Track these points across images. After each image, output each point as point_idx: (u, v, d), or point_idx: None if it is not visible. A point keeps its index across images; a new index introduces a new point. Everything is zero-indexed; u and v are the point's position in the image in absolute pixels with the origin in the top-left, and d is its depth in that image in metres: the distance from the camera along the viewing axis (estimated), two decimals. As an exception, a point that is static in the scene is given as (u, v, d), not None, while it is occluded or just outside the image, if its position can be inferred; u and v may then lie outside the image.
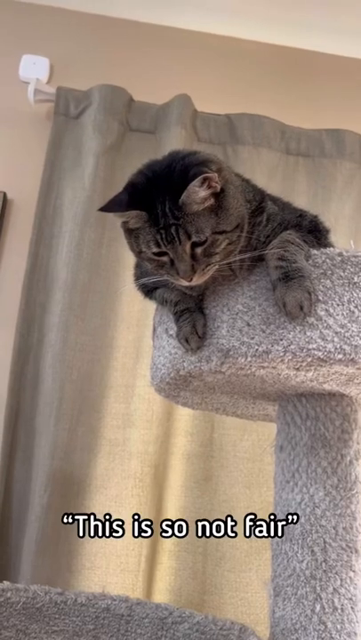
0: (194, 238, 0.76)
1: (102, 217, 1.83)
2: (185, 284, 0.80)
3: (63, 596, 1.12)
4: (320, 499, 0.96)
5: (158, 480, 1.69)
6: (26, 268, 1.80)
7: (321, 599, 0.91)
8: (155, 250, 0.78)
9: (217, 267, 0.80)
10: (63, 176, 1.89)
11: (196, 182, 0.75)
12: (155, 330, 1.07)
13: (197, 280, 0.79)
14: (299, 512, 0.96)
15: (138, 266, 0.96)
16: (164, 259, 0.79)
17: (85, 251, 1.78)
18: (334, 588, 0.91)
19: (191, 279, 0.78)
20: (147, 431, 1.69)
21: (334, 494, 0.96)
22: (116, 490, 1.62)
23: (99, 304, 1.76)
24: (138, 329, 1.74)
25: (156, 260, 0.80)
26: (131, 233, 0.81)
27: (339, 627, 0.90)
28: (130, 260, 1.82)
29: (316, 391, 1.01)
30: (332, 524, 0.95)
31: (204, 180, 0.76)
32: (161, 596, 1.60)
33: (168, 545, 1.65)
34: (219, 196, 0.79)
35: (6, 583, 1.11)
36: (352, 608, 0.92)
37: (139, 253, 0.82)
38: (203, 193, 0.76)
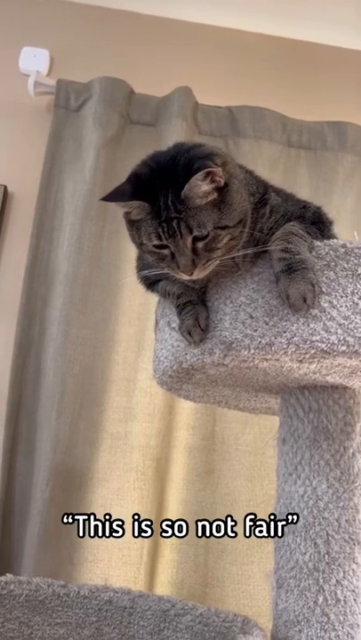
0: (195, 233, 0.76)
1: (103, 210, 1.82)
2: (185, 277, 0.79)
3: (66, 588, 1.12)
4: (323, 491, 0.96)
5: (160, 473, 1.69)
6: (26, 262, 1.79)
7: (324, 591, 0.91)
8: (156, 242, 0.78)
9: (218, 261, 0.79)
10: (64, 169, 1.88)
11: (200, 176, 0.74)
12: (157, 323, 1.07)
13: (198, 274, 0.78)
14: (301, 504, 0.96)
15: (140, 258, 0.95)
16: (165, 252, 0.78)
17: (86, 244, 1.78)
18: (337, 580, 0.91)
19: (192, 273, 0.77)
20: (148, 424, 1.69)
21: (337, 487, 0.96)
22: (118, 483, 1.63)
23: (100, 298, 1.76)
24: (139, 322, 1.74)
25: (157, 252, 0.79)
26: (132, 224, 0.81)
27: (341, 618, 0.90)
28: (131, 253, 1.81)
29: (319, 384, 1.01)
30: (334, 516, 0.95)
31: (208, 173, 0.75)
32: (163, 588, 1.60)
33: (170, 538, 1.65)
34: (222, 190, 0.78)
35: (9, 576, 1.11)
36: (355, 600, 0.92)
37: (140, 245, 0.82)
38: (206, 187, 0.75)
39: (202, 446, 1.73)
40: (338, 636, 0.89)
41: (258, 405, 1.25)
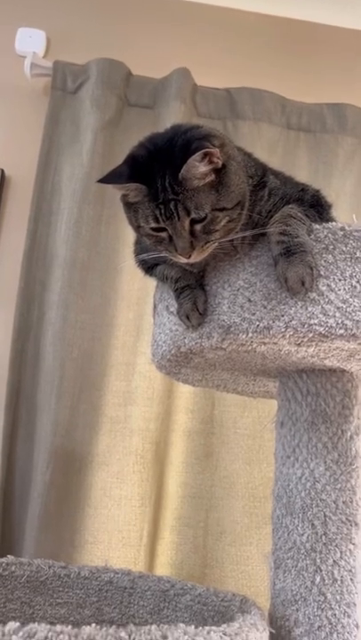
0: (193, 215, 0.75)
1: (101, 194, 1.81)
2: (183, 260, 0.79)
3: (67, 569, 1.13)
4: (320, 473, 0.97)
5: (159, 457, 1.70)
6: (25, 246, 1.78)
7: (321, 571, 0.92)
8: (153, 225, 0.77)
9: (216, 244, 0.79)
10: (61, 152, 1.86)
11: (197, 157, 0.73)
12: (155, 307, 1.07)
13: (196, 257, 0.78)
14: (299, 486, 0.97)
15: (138, 242, 0.95)
16: (163, 234, 0.78)
17: (84, 228, 1.77)
18: (334, 561, 0.93)
19: (189, 256, 0.77)
20: (148, 408, 1.69)
21: (335, 469, 0.97)
22: (118, 466, 1.64)
23: (98, 282, 1.75)
24: (138, 307, 1.74)
25: (155, 235, 0.79)
26: (130, 207, 0.80)
27: (338, 598, 0.91)
28: (129, 237, 1.80)
29: (317, 367, 1.01)
30: (332, 497, 0.95)
31: (205, 154, 0.74)
32: (163, 569, 1.62)
33: (169, 520, 1.67)
34: (220, 172, 0.77)
35: (10, 557, 1.13)
36: (351, 580, 0.93)
37: (137, 228, 0.81)
38: (203, 168, 0.75)
39: (201, 430, 1.74)
40: (335, 614, 0.91)
41: (256, 389, 1.26)
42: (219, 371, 1.13)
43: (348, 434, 1.00)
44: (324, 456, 0.97)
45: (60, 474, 1.61)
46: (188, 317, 0.87)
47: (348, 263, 0.81)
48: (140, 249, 0.93)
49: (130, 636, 0.62)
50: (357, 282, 0.80)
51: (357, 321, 0.79)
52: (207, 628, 0.69)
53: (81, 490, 1.61)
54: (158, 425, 1.70)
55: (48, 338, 1.71)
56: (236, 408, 1.75)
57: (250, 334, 0.83)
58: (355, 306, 0.79)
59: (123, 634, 0.62)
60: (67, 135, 1.88)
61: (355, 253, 0.81)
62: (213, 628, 0.70)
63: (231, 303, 0.85)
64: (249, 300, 0.83)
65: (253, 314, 0.82)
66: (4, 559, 1.12)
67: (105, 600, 1.12)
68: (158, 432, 1.70)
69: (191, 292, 0.87)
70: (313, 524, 0.94)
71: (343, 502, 0.96)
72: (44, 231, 1.80)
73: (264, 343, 0.85)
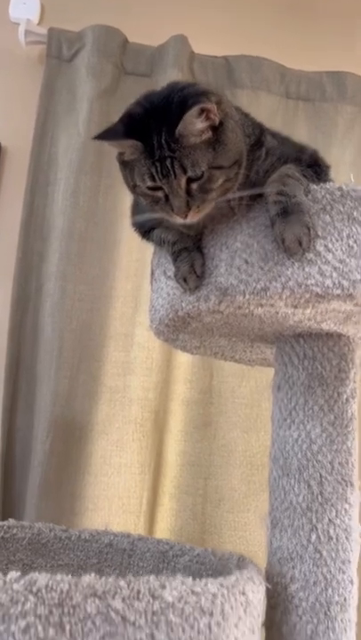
0: (189, 172, 0.75)
1: (98, 164, 1.79)
2: (179, 221, 0.78)
3: (67, 532, 1.16)
4: (317, 435, 0.98)
5: (158, 426, 1.72)
6: (22, 217, 1.78)
7: (316, 529, 0.94)
8: (149, 183, 0.77)
9: (213, 204, 0.78)
10: (57, 122, 1.84)
11: (194, 112, 0.73)
12: (153, 273, 1.07)
13: (192, 218, 0.78)
14: (296, 448, 0.98)
15: (135, 205, 0.95)
16: (159, 194, 0.78)
17: (82, 199, 1.76)
18: (330, 519, 0.94)
19: (186, 216, 0.77)
20: (146, 378, 1.71)
21: (331, 431, 0.98)
22: (118, 435, 1.66)
23: (96, 253, 1.75)
24: (136, 278, 1.74)
25: (151, 195, 0.78)
26: (126, 166, 0.80)
27: (333, 555, 0.93)
28: (127, 208, 1.80)
29: (314, 331, 1.01)
30: (328, 459, 0.97)
31: (202, 110, 0.74)
32: (162, 535, 1.65)
33: (168, 488, 1.69)
34: (217, 129, 0.77)
35: (12, 520, 1.15)
36: (347, 538, 0.95)
37: (133, 188, 0.81)
38: (200, 125, 0.74)
39: (199, 400, 1.76)
40: (330, 571, 0.93)
41: (254, 357, 1.27)
42: (216, 337, 1.13)
43: (345, 397, 1.01)
44: (320, 418, 0.98)
45: (60, 443, 1.63)
46: (185, 280, 0.87)
47: (346, 223, 0.81)
48: (137, 212, 0.93)
49: (129, 585, 0.64)
50: (355, 242, 0.80)
51: (354, 281, 0.79)
52: (205, 579, 0.71)
53: (81, 458, 1.63)
54: (157, 394, 1.72)
55: (46, 309, 1.71)
56: (234, 378, 1.76)
57: (247, 296, 0.84)
58: (351, 266, 0.79)
59: (122, 583, 0.63)
60: (63, 104, 1.85)
61: (352, 213, 0.81)
62: (211, 579, 0.71)
63: (228, 265, 0.85)
64: (246, 262, 0.83)
65: (250, 275, 0.83)
66: (5, 522, 1.14)
67: (105, 562, 1.15)
68: (157, 401, 1.72)
69: (188, 254, 0.87)
70: (309, 485, 0.96)
71: (339, 463, 0.97)
72: (41, 202, 1.79)
73: (261, 305, 0.86)
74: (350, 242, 0.80)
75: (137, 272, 1.74)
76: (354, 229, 0.80)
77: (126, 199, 1.62)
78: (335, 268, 0.79)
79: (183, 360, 1.75)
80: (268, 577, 0.95)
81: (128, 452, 1.66)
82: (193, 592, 0.67)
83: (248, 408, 1.73)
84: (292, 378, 1.02)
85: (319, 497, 0.95)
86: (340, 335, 1.02)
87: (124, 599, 0.62)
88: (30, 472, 1.64)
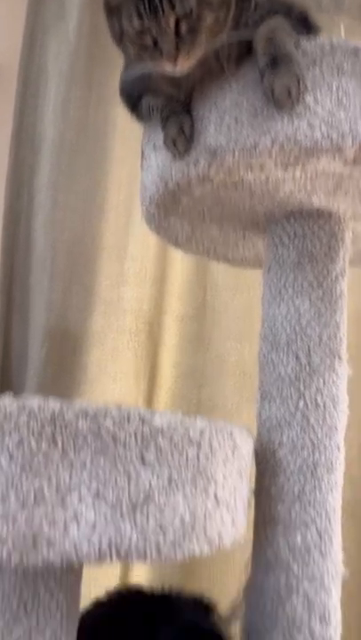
0: (177, 9, 0.73)
1: (89, 75, 1.75)
2: (169, 69, 0.77)
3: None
4: (305, 309, 0.99)
5: (153, 338, 1.74)
6: (12, 129, 1.75)
7: (304, 397, 0.96)
8: (136, 24, 0.75)
9: (202, 50, 0.77)
10: (46, 31, 1.79)
11: None
12: (143, 154, 1.06)
13: (182, 65, 0.77)
14: (285, 323, 1.00)
15: (125, 68, 0.93)
16: (148, 40, 0.76)
17: (72, 109, 1.73)
18: (317, 388, 0.97)
19: (176, 61, 0.76)
20: (140, 290, 1.72)
21: (319, 305, 0.99)
22: (113, 344, 1.68)
23: (88, 165, 1.73)
24: (128, 188, 1.72)
25: (139, 42, 0.77)
26: (112, 13, 0.79)
27: (321, 421, 0.96)
28: (119, 121, 1.75)
29: (305, 209, 1.02)
30: (316, 332, 0.99)
31: None
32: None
33: (163, 398, 1.72)
34: None
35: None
36: (334, 407, 0.98)
37: (120, 37, 0.79)
38: None
39: (193, 314, 1.77)
40: (317, 436, 0.96)
41: (246, 253, 1.27)
42: (208, 222, 1.13)
43: (334, 274, 1.02)
44: (309, 294, 1.00)
45: (55, 353, 1.64)
46: (174, 144, 0.86)
47: (335, 76, 0.80)
48: (125, 77, 0.91)
49: (119, 410, 0.66)
50: (344, 94, 0.79)
51: (343, 133, 0.79)
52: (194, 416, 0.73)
53: (76, 367, 1.65)
54: (151, 307, 1.73)
55: (39, 221, 1.70)
56: (227, 292, 1.77)
57: (236, 155, 0.83)
58: (341, 118, 0.79)
59: (112, 408, 0.66)
60: (51, 12, 1.80)
61: (342, 66, 0.80)
62: (200, 417, 0.74)
63: (218, 125, 0.84)
64: (236, 120, 0.83)
65: (240, 132, 0.82)
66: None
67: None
68: (151, 313, 1.73)
69: (177, 118, 0.86)
70: (297, 356, 0.98)
71: (327, 336, 0.99)
72: (31, 113, 1.76)
73: (251, 167, 0.85)
74: (340, 94, 0.79)
75: (130, 182, 1.72)
76: (343, 81, 0.79)
77: (117, 112, 1.59)
78: (324, 121, 0.79)
79: (177, 273, 1.75)
80: (258, 447, 0.97)
81: (123, 360, 1.68)
82: (181, 423, 0.70)
83: (241, 320, 1.74)
84: (283, 257, 1.03)
85: (307, 367, 0.97)
86: (330, 213, 1.02)
87: (114, 422, 0.64)
88: (27, 382, 1.66)
